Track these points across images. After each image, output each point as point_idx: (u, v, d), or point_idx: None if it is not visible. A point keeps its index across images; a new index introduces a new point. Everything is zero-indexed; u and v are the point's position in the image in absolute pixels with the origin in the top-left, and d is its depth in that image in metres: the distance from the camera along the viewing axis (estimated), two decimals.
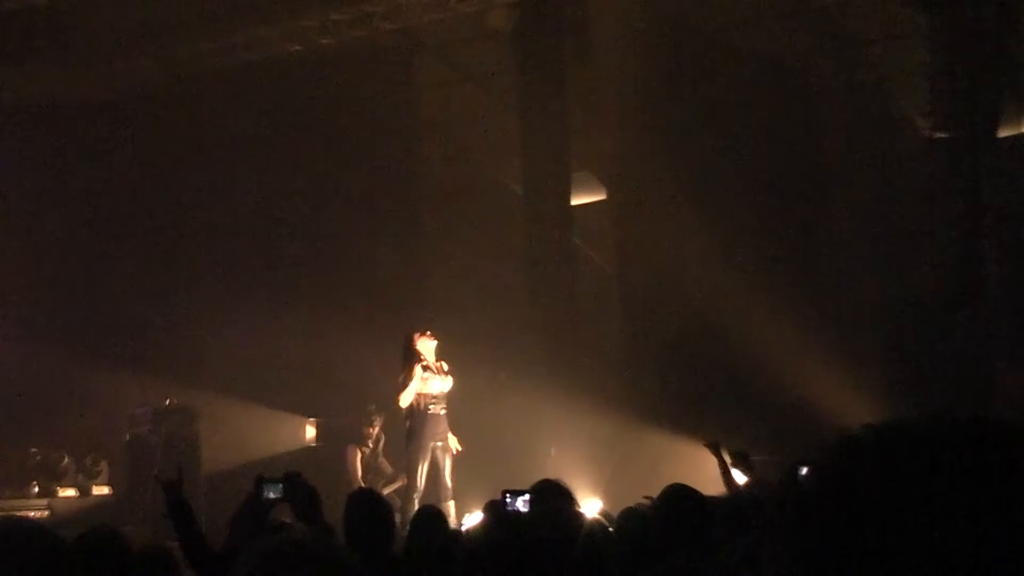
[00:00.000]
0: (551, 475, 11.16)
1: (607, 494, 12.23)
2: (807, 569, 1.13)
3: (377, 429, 13.54)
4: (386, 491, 12.00)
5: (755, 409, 12.96)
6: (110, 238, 16.02)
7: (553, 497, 5.81)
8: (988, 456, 1.11)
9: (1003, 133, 13.58)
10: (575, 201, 15.28)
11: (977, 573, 1.07)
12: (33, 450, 15.36)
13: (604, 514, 8.10)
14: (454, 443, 12.49)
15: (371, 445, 13.71)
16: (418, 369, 12.22)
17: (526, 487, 6.11)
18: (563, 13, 14.90)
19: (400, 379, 12.18)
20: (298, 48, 15.53)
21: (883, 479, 1.12)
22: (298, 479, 6.21)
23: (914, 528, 1.09)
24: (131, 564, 5.02)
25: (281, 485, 6.07)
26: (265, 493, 5.90)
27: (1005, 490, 1.09)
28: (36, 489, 14.91)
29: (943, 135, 13.42)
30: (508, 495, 5.98)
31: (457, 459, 12.58)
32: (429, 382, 12.31)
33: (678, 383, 14.29)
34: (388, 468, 13.65)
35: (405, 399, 12.28)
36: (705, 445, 8.15)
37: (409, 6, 15.07)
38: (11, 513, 7.47)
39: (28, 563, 2.39)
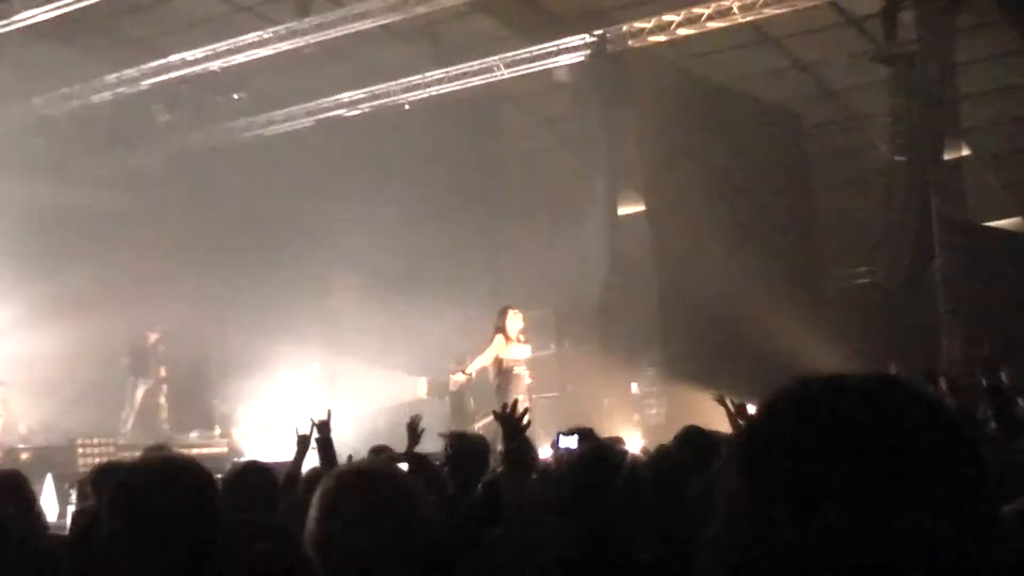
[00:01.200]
0: (604, 420, 13.75)
1: (646, 434, 14.07)
2: (744, 487, 1.28)
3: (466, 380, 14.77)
4: (476, 426, 13.66)
5: (756, 368, 13.74)
6: (270, 248, 18.48)
7: (593, 436, 6.58)
8: (868, 401, 1.25)
9: (946, 156, 15.44)
10: (621, 211, 17.68)
11: (862, 481, 1.20)
12: (216, 402, 18.38)
13: (644, 450, 9.15)
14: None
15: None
16: (498, 338, 13.79)
17: (584, 428, 6.93)
18: (612, 70, 17.21)
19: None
20: (409, 99, 18.34)
21: (798, 419, 1.27)
22: (417, 419, 7.16)
23: (816, 454, 1.23)
24: (273, 485, 5.57)
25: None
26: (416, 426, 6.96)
27: (881, 422, 1.23)
28: (218, 431, 17.72)
29: (901, 158, 15.84)
30: (561, 434, 6.77)
31: (533, 406, 13.93)
32: (513, 349, 13.88)
33: (699, 350, 15.74)
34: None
35: (481, 361, 13.98)
36: (714, 399, 8.50)
37: (497, 68, 17.74)
38: (175, 451, 8.15)
39: (182, 490, 2.83)
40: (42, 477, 11.34)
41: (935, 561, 1.18)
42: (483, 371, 14.27)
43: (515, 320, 13.93)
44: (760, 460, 1.26)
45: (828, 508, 1.18)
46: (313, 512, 2.62)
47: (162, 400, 17.85)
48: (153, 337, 17.84)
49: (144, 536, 2.75)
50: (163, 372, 17.88)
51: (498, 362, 13.92)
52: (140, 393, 17.58)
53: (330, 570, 2.61)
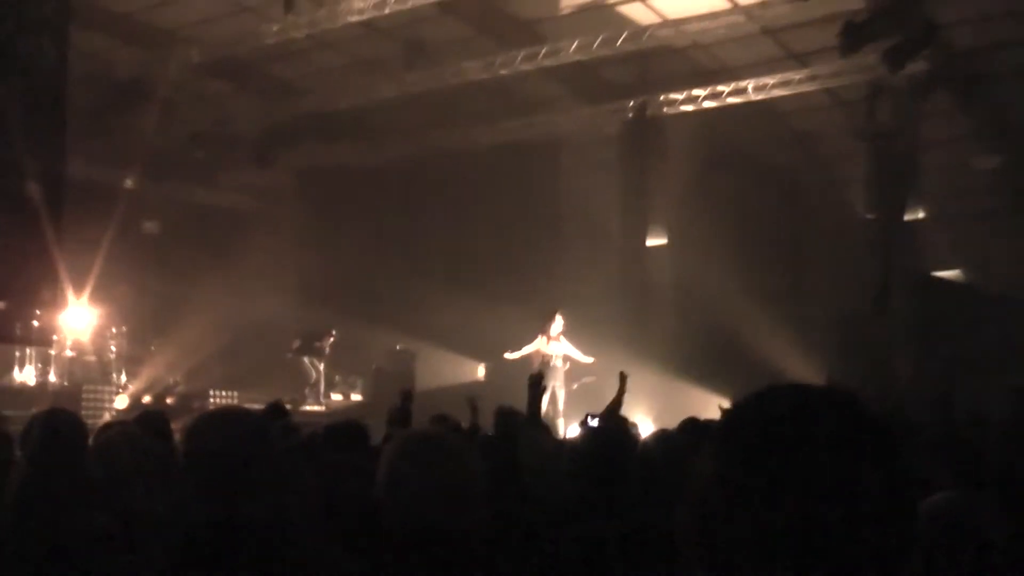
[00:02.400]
0: (626, 409, 15.54)
1: (658, 419, 14.38)
2: (712, 471, 1.39)
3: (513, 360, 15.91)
4: None
5: (749, 371, 14.54)
6: (371, 252, 21.18)
7: (615, 419, 6.89)
8: (814, 415, 1.38)
9: (906, 217, 17.17)
10: (649, 243, 19.61)
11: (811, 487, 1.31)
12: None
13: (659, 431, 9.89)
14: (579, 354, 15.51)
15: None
16: (540, 337, 15.50)
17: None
18: (647, 127, 19.35)
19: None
20: (492, 140, 20.89)
21: (759, 422, 1.40)
22: (476, 398, 7.95)
23: (767, 451, 1.35)
24: (362, 433, 5.86)
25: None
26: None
27: (822, 438, 1.35)
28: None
29: (871, 216, 17.31)
30: (590, 416, 7.02)
31: (571, 393, 15.78)
32: (552, 346, 15.61)
33: (704, 355, 16.71)
34: None
35: (525, 351, 15.47)
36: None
37: (559, 121, 20.48)
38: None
39: (228, 432, 3.05)
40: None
41: (856, 543, 1.29)
42: (528, 361, 15.62)
43: (556, 323, 15.64)
44: (727, 452, 1.39)
45: (771, 496, 1.31)
46: (384, 462, 2.94)
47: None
48: (331, 336, 19.95)
49: (199, 468, 3.01)
50: (321, 366, 20.09)
51: (539, 355, 15.58)
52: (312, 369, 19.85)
53: (393, 510, 2.90)
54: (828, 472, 1.32)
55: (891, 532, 1.33)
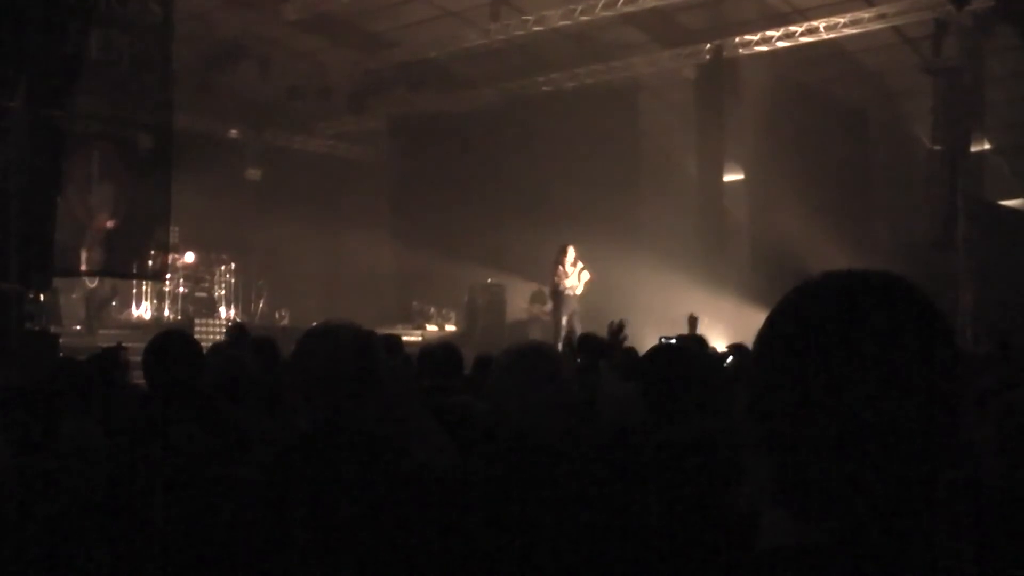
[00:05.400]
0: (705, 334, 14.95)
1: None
2: (762, 372, 1.33)
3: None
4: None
5: None
6: (460, 193, 22.11)
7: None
8: (875, 298, 1.30)
9: (973, 148, 17.55)
10: (726, 179, 20.35)
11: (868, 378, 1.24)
12: (414, 303, 21.70)
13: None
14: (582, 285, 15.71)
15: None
16: (559, 269, 15.89)
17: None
18: (722, 68, 19.91)
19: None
20: (572, 85, 21.81)
21: (799, 315, 1.33)
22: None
23: (815, 343, 1.28)
24: (458, 356, 5.97)
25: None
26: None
27: (883, 320, 1.28)
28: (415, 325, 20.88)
29: (938, 148, 17.52)
30: (663, 338, 8.02)
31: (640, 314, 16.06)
32: (565, 277, 16.00)
33: (779, 283, 17.50)
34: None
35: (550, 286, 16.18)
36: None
37: (637, 65, 21.16)
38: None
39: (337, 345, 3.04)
40: None
41: (908, 437, 1.23)
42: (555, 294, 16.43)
43: (569, 255, 16.09)
44: (771, 350, 1.33)
45: (825, 390, 1.25)
46: (494, 374, 3.10)
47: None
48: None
49: (305, 380, 3.05)
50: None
51: (553, 284, 16.28)
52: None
53: (497, 416, 3.09)
54: (890, 355, 1.27)
55: (944, 417, 1.28)
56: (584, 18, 19.47)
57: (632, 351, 7.14)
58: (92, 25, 13.89)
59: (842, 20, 18.94)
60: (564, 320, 15.65)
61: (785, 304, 1.37)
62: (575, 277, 15.88)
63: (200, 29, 19.70)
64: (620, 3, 19.04)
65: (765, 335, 1.37)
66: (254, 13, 20.35)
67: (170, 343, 4.37)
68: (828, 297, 1.34)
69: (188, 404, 4.05)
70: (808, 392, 1.28)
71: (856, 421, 1.25)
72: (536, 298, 19.91)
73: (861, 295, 1.32)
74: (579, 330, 14.33)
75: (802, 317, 1.33)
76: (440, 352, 5.97)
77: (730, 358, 8.09)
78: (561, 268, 15.91)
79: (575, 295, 15.88)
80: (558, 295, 16.06)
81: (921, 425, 1.26)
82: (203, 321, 18.63)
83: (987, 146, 18.62)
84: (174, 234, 17.94)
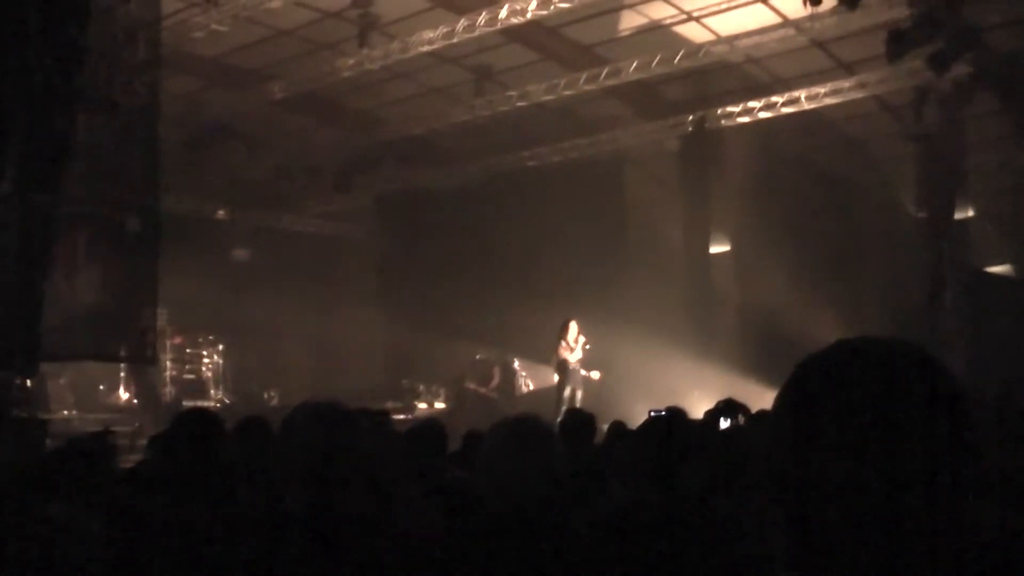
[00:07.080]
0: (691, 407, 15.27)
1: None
2: (784, 428, 1.34)
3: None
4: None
5: None
6: (447, 269, 21.93)
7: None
8: (877, 366, 1.32)
9: (957, 215, 17.47)
10: (713, 250, 20.19)
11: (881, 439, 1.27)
12: (404, 380, 21.41)
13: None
14: (595, 375, 16.17)
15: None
16: (562, 344, 16.22)
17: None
18: (706, 139, 19.77)
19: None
20: (557, 159, 21.66)
21: (836, 373, 1.34)
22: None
23: (835, 404, 1.30)
24: (443, 439, 6.01)
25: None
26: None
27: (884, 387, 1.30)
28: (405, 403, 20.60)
29: (923, 215, 17.55)
30: (652, 411, 7.28)
31: (627, 386, 16.72)
32: (568, 352, 16.38)
33: (768, 354, 15.63)
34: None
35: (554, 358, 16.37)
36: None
37: (621, 138, 21.07)
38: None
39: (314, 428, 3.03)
40: None
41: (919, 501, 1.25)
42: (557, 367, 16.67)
43: (571, 330, 16.50)
44: (795, 408, 1.34)
45: (840, 450, 1.26)
46: (486, 448, 3.14)
47: None
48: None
49: (292, 459, 3.01)
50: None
51: (558, 359, 16.54)
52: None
53: (489, 492, 3.12)
54: (907, 424, 1.28)
55: (956, 478, 1.29)
56: (567, 92, 19.60)
57: (620, 423, 7.12)
58: (78, 107, 13.79)
59: (823, 90, 18.99)
60: (566, 394, 15.97)
61: (810, 374, 1.37)
62: (579, 351, 16.22)
63: (186, 109, 19.86)
64: (603, 76, 19.18)
65: (797, 406, 1.37)
66: (240, 93, 20.50)
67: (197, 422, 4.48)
68: (866, 369, 1.34)
69: (200, 484, 4.11)
70: (835, 468, 1.29)
71: (884, 503, 1.27)
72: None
73: (897, 366, 1.33)
74: (579, 404, 15.07)
75: (844, 390, 1.33)
76: (426, 430, 6.05)
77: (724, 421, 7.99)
78: (564, 343, 16.25)
79: (579, 368, 16.21)
80: (564, 369, 16.37)
81: (946, 507, 1.28)
82: (192, 403, 18.10)
83: (971, 212, 18.50)
84: (162, 316, 17.78)
